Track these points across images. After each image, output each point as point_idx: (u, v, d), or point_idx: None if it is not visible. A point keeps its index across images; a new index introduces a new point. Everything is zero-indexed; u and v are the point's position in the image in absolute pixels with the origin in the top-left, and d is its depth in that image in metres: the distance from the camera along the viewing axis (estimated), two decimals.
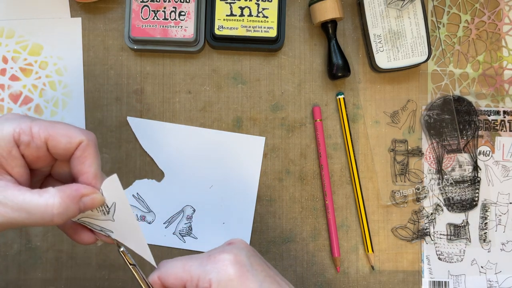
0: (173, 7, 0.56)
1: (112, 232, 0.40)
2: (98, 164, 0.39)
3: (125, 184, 0.58)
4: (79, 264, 0.57)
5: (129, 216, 0.38)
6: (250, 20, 0.56)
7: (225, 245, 0.42)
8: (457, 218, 0.58)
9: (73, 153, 0.38)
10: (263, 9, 0.56)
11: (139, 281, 0.40)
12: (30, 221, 0.36)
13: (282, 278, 0.41)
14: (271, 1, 0.56)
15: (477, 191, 0.59)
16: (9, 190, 0.36)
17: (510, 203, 0.59)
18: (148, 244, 0.57)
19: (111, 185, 0.38)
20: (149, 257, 0.40)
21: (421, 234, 0.58)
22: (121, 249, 0.40)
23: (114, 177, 0.37)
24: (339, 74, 0.56)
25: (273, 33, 0.56)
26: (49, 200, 0.36)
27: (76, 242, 0.41)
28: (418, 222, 0.58)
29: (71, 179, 0.41)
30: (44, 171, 0.41)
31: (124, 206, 0.38)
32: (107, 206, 0.39)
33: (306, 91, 0.59)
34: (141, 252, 0.40)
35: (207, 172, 0.58)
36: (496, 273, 0.58)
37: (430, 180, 0.58)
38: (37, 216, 0.35)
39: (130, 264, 0.40)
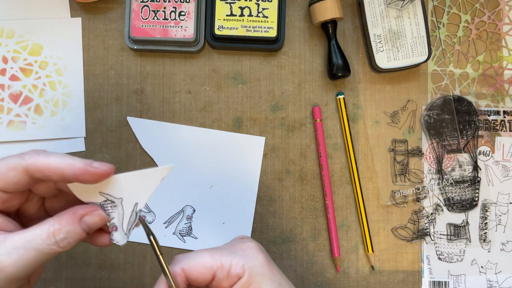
0: (173, 7, 0.56)
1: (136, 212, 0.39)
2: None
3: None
4: (79, 264, 0.57)
5: (118, 181, 0.38)
6: (250, 20, 0.56)
7: (238, 238, 0.43)
8: (457, 218, 0.58)
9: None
10: (263, 9, 0.56)
11: (167, 271, 0.39)
12: (42, 256, 0.35)
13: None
14: (271, 1, 0.56)
15: (477, 191, 0.59)
16: (8, 239, 0.35)
17: (510, 203, 0.59)
18: (148, 244, 0.57)
19: (78, 187, 0.37)
20: (162, 171, 0.38)
21: (421, 234, 0.58)
22: (151, 236, 0.39)
23: (74, 184, 0.37)
24: (339, 74, 0.56)
25: (273, 33, 0.56)
26: (50, 230, 0.35)
27: (96, 246, 0.40)
28: (418, 222, 0.58)
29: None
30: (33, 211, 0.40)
31: (108, 184, 0.38)
32: (106, 201, 0.39)
33: (306, 91, 0.59)
34: (156, 180, 0.38)
35: (207, 172, 0.58)
36: (496, 273, 0.58)
37: (430, 180, 0.58)
38: (45, 248, 0.35)
39: (160, 253, 0.39)
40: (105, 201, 0.39)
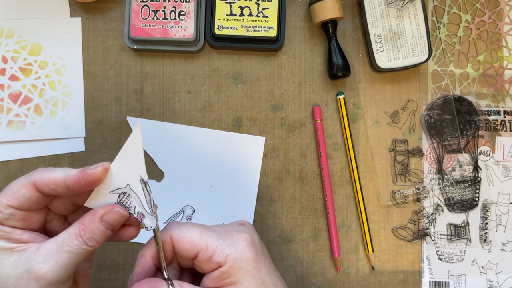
0: (173, 7, 0.56)
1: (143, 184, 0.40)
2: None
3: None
4: None
5: (126, 162, 0.39)
6: (250, 20, 0.56)
7: (237, 224, 0.43)
8: (458, 218, 0.58)
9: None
10: (263, 8, 0.56)
11: (157, 237, 0.39)
12: (75, 257, 0.37)
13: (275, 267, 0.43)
14: (271, 1, 0.56)
15: (477, 191, 0.58)
16: (41, 248, 0.37)
17: (511, 203, 0.59)
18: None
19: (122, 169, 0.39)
20: (136, 132, 0.39)
21: (422, 234, 0.58)
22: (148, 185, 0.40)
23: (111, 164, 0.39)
24: (339, 74, 0.56)
25: (273, 33, 0.56)
26: (76, 231, 0.38)
27: (125, 241, 0.42)
28: (419, 222, 0.58)
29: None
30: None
31: (112, 174, 0.39)
32: (120, 194, 0.39)
33: (306, 91, 0.59)
34: (136, 141, 0.39)
35: (207, 172, 0.57)
36: (496, 273, 0.58)
37: (431, 180, 0.58)
38: (75, 249, 0.37)
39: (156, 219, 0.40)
40: (119, 196, 0.39)
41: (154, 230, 0.40)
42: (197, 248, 0.39)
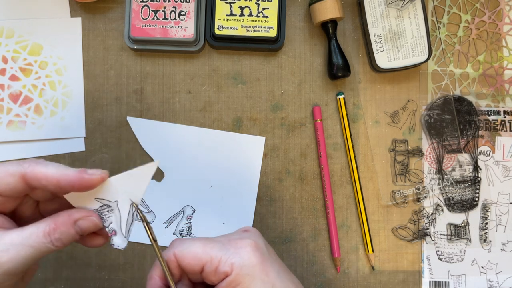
0: (173, 7, 0.56)
1: (117, 201, 0.40)
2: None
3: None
4: (79, 264, 0.57)
5: (111, 183, 0.39)
6: (250, 20, 0.56)
7: (240, 231, 0.43)
8: (458, 218, 0.58)
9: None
10: (263, 9, 0.56)
11: (158, 256, 0.39)
12: (37, 253, 0.37)
13: (288, 269, 0.43)
14: (271, 1, 0.56)
15: (477, 191, 0.59)
16: (6, 236, 0.36)
17: (511, 203, 0.59)
18: (148, 244, 0.57)
19: (74, 197, 0.38)
20: (151, 167, 0.39)
21: (422, 234, 0.58)
22: (145, 223, 0.40)
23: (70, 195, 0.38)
24: (339, 74, 0.56)
25: (273, 33, 0.56)
26: (46, 229, 0.37)
27: (88, 247, 0.41)
28: (418, 222, 0.58)
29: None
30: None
31: (101, 188, 0.39)
32: (102, 205, 0.39)
33: (306, 91, 0.59)
34: (148, 173, 0.39)
35: (207, 172, 0.58)
36: (496, 273, 0.58)
37: (431, 180, 0.58)
38: (40, 246, 0.37)
39: (153, 240, 0.40)
40: (102, 206, 0.39)
41: (156, 250, 0.39)
42: (202, 261, 0.39)
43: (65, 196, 0.39)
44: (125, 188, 0.39)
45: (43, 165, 0.37)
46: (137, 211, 0.40)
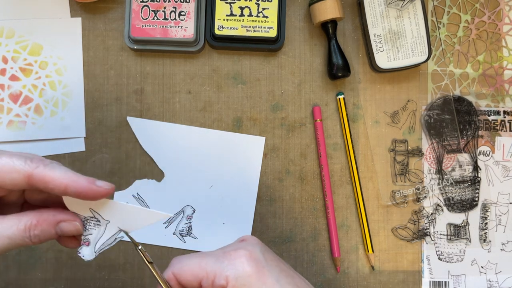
0: (173, 7, 0.56)
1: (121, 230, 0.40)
2: (61, 171, 0.37)
3: (125, 184, 0.58)
4: (79, 264, 0.57)
5: (113, 207, 0.39)
6: (250, 20, 0.56)
7: (237, 242, 0.43)
8: (457, 218, 0.58)
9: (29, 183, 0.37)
10: (263, 9, 0.56)
11: (158, 278, 0.39)
12: (12, 245, 0.36)
13: (294, 271, 0.42)
14: (271, 1, 0.56)
15: (477, 191, 0.59)
16: None
17: (510, 203, 0.59)
18: (148, 244, 0.57)
19: (72, 201, 0.38)
20: (160, 216, 0.39)
21: (421, 234, 0.58)
22: (139, 247, 0.40)
23: (111, 202, 0.38)
24: (339, 74, 0.56)
25: (273, 33, 0.56)
26: (27, 223, 0.37)
27: (62, 245, 0.41)
28: (418, 222, 0.58)
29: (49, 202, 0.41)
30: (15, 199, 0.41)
31: (102, 206, 0.38)
32: (92, 217, 0.39)
33: (306, 91, 0.59)
34: (152, 220, 0.39)
35: (207, 172, 0.58)
36: (496, 273, 0.58)
37: (430, 180, 0.58)
38: (18, 238, 0.36)
39: (149, 262, 0.40)
40: (92, 217, 0.39)
41: (153, 272, 0.39)
42: (199, 277, 0.39)
43: (64, 197, 0.38)
44: (124, 217, 0.39)
45: (50, 168, 0.36)
46: (129, 237, 0.40)
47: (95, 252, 0.40)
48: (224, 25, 0.56)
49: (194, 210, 0.58)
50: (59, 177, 0.36)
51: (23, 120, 0.58)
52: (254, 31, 0.56)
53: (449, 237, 0.58)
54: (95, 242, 0.40)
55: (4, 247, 0.36)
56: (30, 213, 0.37)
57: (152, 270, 0.39)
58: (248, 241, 0.42)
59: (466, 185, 0.58)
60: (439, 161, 0.59)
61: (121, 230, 0.40)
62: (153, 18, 0.56)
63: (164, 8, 0.56)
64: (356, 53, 0.59)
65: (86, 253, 0.40)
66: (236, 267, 0.39)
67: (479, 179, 0.59)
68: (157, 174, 0.58)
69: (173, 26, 0.56)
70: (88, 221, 0.39)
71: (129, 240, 0.40)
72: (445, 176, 0.58)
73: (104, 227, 0.39)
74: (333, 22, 0.56)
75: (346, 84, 0.59)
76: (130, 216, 0.39)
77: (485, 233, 0.58)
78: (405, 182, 0.58)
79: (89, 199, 0.37)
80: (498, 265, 0.58)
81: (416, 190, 0.58)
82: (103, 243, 0.40)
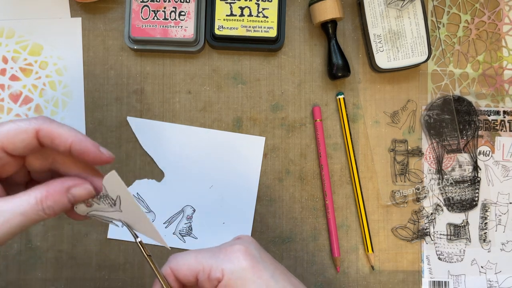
0: (173, 7, 0.56)
1: (121, 222, 0.40)
2: (69, 129, 0.37)
3: (125, 184, 0.57)
4: (79, 264, 0.57)
5: (135, 207, 0.39)
6: (250, 20, 0.56)
7: (233, 239, 0.43)
8: (457, 218, 0.58)
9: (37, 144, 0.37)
10: (263, 9, 0.56)
11: (155, 271, 0.40)
12: (27, 221, 0.36)
13: (289, 272, 0.43)
14: (271, 1, 0.56)
15: (477, 191, 0.59)
16: None
17: (510, 203, 0.59)
18: (148, 244, 0.57)
19: (112, 180, 0.38)
20: (161, 240, 0.40)
21: (421, 234, 0.58)
22: (139, 239, 0.40)
23: (113, 173, 0.37)
24: (339, 74, 0.56)
25: (273, 33, 0.56)
26: (37, 196, 0.36)
27: (72, 218, 0.41)
28: (418, 222, 0.58)
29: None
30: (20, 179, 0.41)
31: (128, 199, 0.38)
32: (113, 199, 0.39)
33: (306, 91, 0.59)
34: (153, 236, 0.40)
35: (207, 172, 0.58)
36: (496, 273, 0.58)
37: (430, 180, 0.58)
38: (32, 213, 0.36)
39: (147, 255, 0.40)
40: (112, 198, 0.39)
41: (152, 266, 0.40)
42: (195, 271, 0.40)
43: (104, 178, 0.37)
44: (135, 219, 0.39)
45: (57, 124, 0.36)
46: (129, 229, 0.40)
47: (87, 215, 0.40)
48: (224, 25, 0.56)
49: (194, 210, 0.58)
50: (65, 133, 0.36)
51: None
52: (254, 31, 0.56)
53: (449, 237, 0.58)
54: (95, 209, 0.39)
55: (20, 225, 0.35)
56: (39, 186, 0.37)
57: (150, 263, 0.40)
58: (243, 239, 0.43)
59: (466, 185, 0.59)
60: (439, 161, 0.59)
61: (124, 223, 0.40)
62: (153, 18, 0.56)
63: (164, 8, 0.56)
64: (356, 53, 0.59)
65: (81, 209, 0.39)
66: (232, 261, 0.39)
67: (479, 179, 0.59)
68: (157, 174, 0.58)
69: (173, 26, 0.56)
70: (105, 198, 0.39)
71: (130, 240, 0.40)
72: (445, 176, 0.58)
73: (112, 211, 0.39)
74: (333, 22, 0.56)
75: (346, 84, 0.59)
76: (140, 222, 0.40)
77: (485, 233, 0.58)
78: (405, 182, 0.58)
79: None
80: (498, 265, 0.58)
81: (416, 190, 0.58)
82: (100, 215, 0.40)
